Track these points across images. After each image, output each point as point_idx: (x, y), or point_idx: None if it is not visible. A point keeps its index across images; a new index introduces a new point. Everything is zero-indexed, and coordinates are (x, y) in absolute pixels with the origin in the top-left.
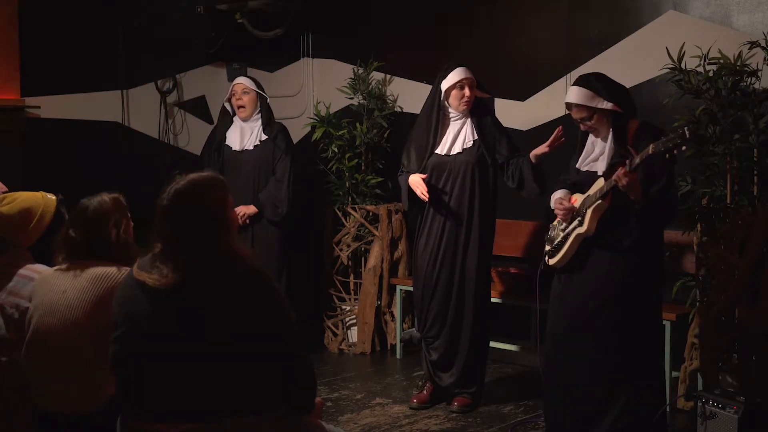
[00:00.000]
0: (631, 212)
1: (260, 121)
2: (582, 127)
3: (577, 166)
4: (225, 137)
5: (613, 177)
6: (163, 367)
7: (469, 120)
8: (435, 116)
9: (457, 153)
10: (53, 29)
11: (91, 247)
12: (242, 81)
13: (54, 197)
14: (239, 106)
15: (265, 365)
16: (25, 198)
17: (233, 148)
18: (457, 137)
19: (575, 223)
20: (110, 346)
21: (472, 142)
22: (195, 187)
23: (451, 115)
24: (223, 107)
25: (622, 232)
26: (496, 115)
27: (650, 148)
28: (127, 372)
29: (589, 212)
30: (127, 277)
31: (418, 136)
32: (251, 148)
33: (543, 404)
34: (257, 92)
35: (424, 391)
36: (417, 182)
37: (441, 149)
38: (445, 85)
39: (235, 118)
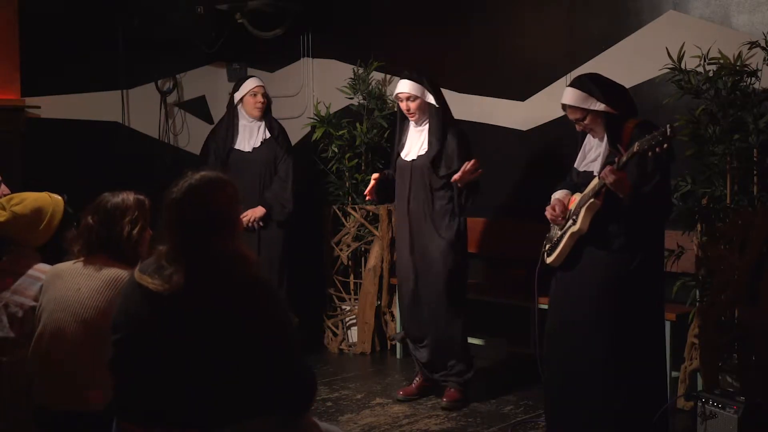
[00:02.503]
0: (623, 211)
1: (264, 120)
2: (578, 127)
3: (575, 166)
4: (230, 139)
5: (601, 175)
6: (163, 373)
7: (427, 127)
8: (399, 121)
9: (413, 159)
10: (53, 29)
11: (103, 239)
12: (262, 84)
13: (60, 197)
14: (258, 108)
15: (265, 369)
16: (35, 198)
17: (240, 149)
18: (415, 143)
19: (570, 221)
20: (109, 350)
21: (426, 150)
22: (209, 184)
23: (410, 121)
24: (230, 105)
25: (616, 230)
26: (497, 114)
27: (635, 146)
28: (126, 376)
29: (582, 211)
30: (128, 280)
31: (393, 139)
32: (258, 145)
33: (544, 404)
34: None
35: (413, 384)
36: (371, 180)
37: (404, 154)
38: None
39: (242, 119)
